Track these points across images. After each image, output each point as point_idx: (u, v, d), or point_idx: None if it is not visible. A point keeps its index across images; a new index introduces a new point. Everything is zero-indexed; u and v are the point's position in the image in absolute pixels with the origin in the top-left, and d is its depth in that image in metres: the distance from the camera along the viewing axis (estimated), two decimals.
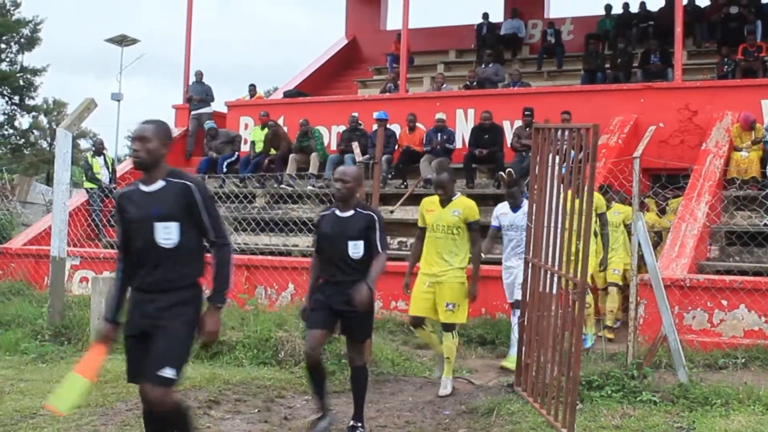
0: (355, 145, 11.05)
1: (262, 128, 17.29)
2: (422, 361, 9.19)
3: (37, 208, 25.93)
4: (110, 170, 16.44)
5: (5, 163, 38.84)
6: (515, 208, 8.85)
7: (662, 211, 12.89)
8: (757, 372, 8.54)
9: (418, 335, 8.62)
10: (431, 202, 8.07)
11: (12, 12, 42.39)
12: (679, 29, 15.15)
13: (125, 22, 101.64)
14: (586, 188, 6.58)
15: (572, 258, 6.68)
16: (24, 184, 29.20)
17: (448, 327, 7.89)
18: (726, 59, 16.45)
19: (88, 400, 7.35)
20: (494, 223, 9.05)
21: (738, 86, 14.92)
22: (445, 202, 7.96)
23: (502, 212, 9.01)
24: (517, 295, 8.31)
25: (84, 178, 16.67)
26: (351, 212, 6.40)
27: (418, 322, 8.07)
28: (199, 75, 19.59)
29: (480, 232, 8.03)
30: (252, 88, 20.20)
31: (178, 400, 4.92)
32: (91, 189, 16.03)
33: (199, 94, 19.33)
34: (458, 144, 15.89)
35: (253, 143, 17.41)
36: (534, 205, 7.61)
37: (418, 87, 19.99)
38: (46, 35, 67.89)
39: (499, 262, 9.36)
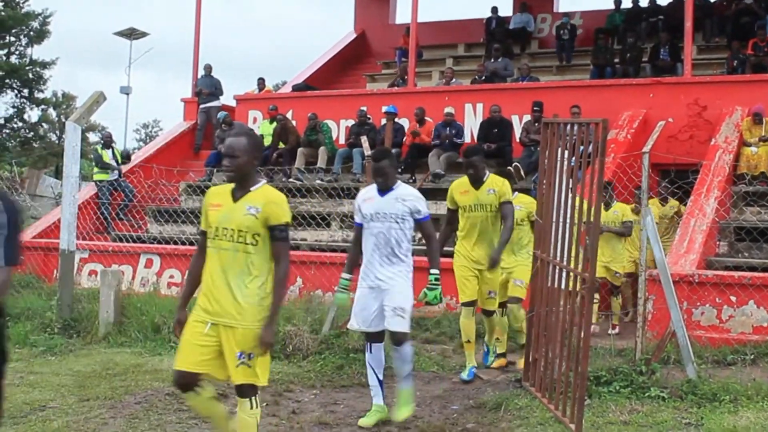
0: (364, 139, 11.04)
1: (271, 122, 17.30)
2: (430, 356, 9.19)
3: (47, 201, 26.00)
4: (118, 163, 16.46)
5: (15, 156, 38.92)
6: (384, 191, 6.76)
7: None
8: (766, 368, 8.51)
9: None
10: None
11: (21, 5, 42.35)
12: (688, 24, 15.10)
13: (134, 15, 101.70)
14: (594, 183, 6.57)
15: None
16: (33, 177, 29.31)
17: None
18: (736, 54, 16.39)
19: (97, 393, 7.39)
20: (357, 218, 6.88)
21: (748, 81, 14.85)
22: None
23: (366, 198, 6.85)
24: (396, 325, 6.58)
25: (95, 169, 16.70)
26: None
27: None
28: (208, 68, 19.60)
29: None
30: (261, 82, 20.20)
31: None
32: (100, 182, 16.05)
33: (208, 88, 19.34)
34: (467, 138, 15.86)
35: (262, 137, 17.41)
36: (542, 199, 7.61)
37: (426, 81, 19.96)
38: (56, 28, 68.04)
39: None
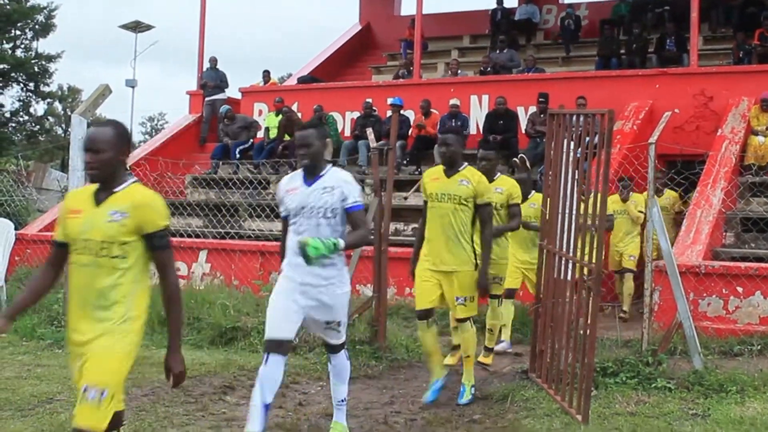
0: (369, 131, 11.03)
1: (277, 114, 17.30)
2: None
3: (53, 195, 26.02)
4: None
5: (21, 149, 38.96)
6: (311, 178, 5.72)
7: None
8: None
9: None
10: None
11: None
12: (694, 14, 15.05)
13: (139, 8, 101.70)
14: (600, 175, 6.56)
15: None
16: (39, 171, 29.33)
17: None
18: (742, 44, 16.33)
19: None
20: (281, 210, 5.92)
21: (754, 72, 14.80)
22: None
23: (289, 187, 5.81)
24: (332, 338, 5.81)
25: None
26: None
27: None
28: (213, 61, 19.59)
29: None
30: (266, 75, 20.20)
31: None
32: None
33: (213, 81, 19.33)
34: (472, 130, 15.85)
35: (267, 129, 17.41)
36: (548, 191, 7.59)
37: (432, 73, 19.93)
38: (61, 21, 68.04)
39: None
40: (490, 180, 7.78)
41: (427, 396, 7.08)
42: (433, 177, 7.03)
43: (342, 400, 5.98)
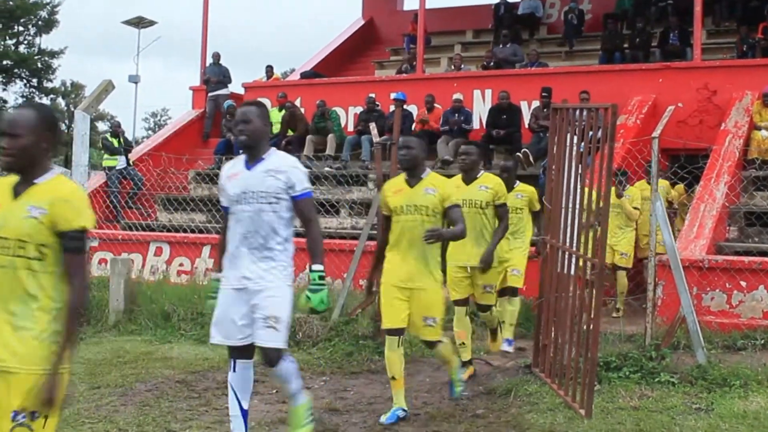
0: (373, 126, 11.03)
1: (280, 110, 17.30)
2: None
3: None
4: (126, 151, 16.51)
5: None
6: (252, 161, 5.24)
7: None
8: None
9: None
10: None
11: None
12: (698, 8, 15.01)
13: (142, 4, 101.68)
14: (604, 169, 6.56)
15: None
16: None
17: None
18: (746, 38, 16.29)
19: (107, 380, 7.42)
20: (222, 200, 5.43)
21: (758, 66, 14.76)
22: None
23: (231, 173, 5.35)
24: (266, 339, 5.08)
25: (105, 156, 16.74)
26: None
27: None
28: (216, 56, 19.59)
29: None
30: (269, 70, 20.18)
31: None
32: (109, 169, 16.10)
33: (216, 76, 19.33)
34: (475, 125, 15.84)
35: (270, 124, 17.39)
36: (552, 185, 7.59)
37: (435, 68, 19.90)
38: (64, 17, 68.00)
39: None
40: (474, 177, 7.51)
41: (386, 418, 6.39)
42: (394, 189, 6.43)
43: (297, 391, 5.38)
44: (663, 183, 12.33)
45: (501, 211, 7.55)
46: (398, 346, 6.35)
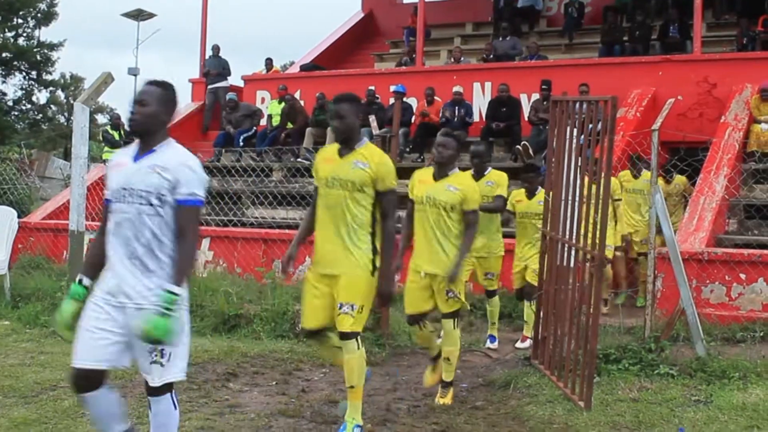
0: (372, 119, 11.03)
1: (280, 102, 17.29)
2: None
3: (56, 183, 26.05)
4: (124, 144, 16.52)
5: (23, 138, 38.98)
6: (142, 153, 4.39)
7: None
8: None
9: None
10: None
11: None
12: (698, 1, 14.97)
13: None
14: (603, 162, 6.56)
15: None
16: (42, 159, 29.36)
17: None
18: (746, 31, 16.27)
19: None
20: (107, 193, 4.50)
21: (758, 59, 14.73)
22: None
23: (118, 162, 4.51)
24: (155, 376, 4.24)
25: (105, 149, 16.75)
26: None
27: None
28: (216, 49, 19.56)
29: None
30: (268, 62, 20.17)
31: None
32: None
33: (215, 68, 19.31)
34: (475, 117, 15.83)
35: (270, 117, 17.41)
36: (551, 178, 7.59)
37: (434, 60, 19.90)
38: (63, 9, 67.94)
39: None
40: (445, 174, 6.56)
41: None
42: (325, 157, 5.71)
43: None
44: (681, 179, 12.29)
45: (469, 219, 6.51)
46: (357, 349, 5.56)
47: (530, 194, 8.78)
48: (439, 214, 6.46)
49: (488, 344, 8.97)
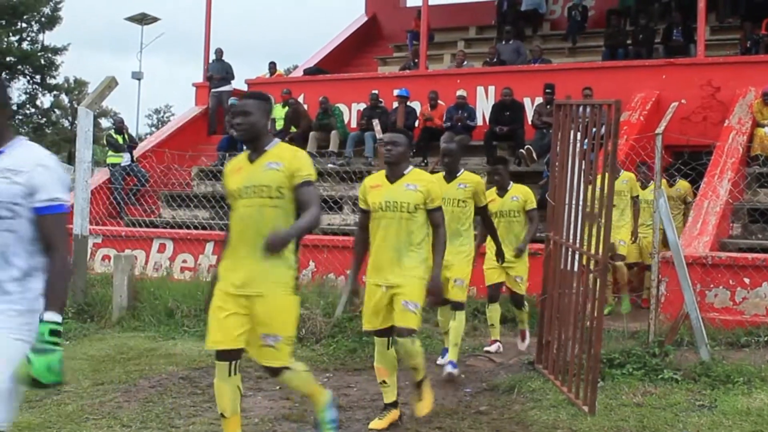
0: (376, 122, 11.03)
1: (283, 106, 17.30)
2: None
3: None
4: (130, 147, 16.52)
5: None
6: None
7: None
8: None
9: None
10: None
11: None
12: (701, 4, 14.98)
13: (145, 0, 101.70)
14: (607, 165, 6.55)
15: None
16: None
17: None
18: (749, 35, 16.27)
19: (111, 377, 7.43)
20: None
21: (762, 62, 14.72)
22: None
23: None
24: None
25: (109, 153, 16.75)
26: None
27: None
28: (219, 53, 19.56)
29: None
30: (272, 66, 20.19)
31: None
32: (113, 166, 16.13)
33: (219, 72, 19.30)
34: (479, 121, 15.83)
35: (273, 120, 17.41)
36: (555, 182, 7.58)
37: (438, 64, 19.89)
38: (67, 14, 68.06)
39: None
40: (400, 174, 6.08)
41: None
42: (236, 168, 5.07)
43: None
44: (684, 185, 12.20)
45: (436, 217, 6.02)
46: (230, 374, 4.92)
47: (502, 191, 8.66)
48: (402, 219, 5.93)
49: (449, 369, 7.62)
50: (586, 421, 6.20)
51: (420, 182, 6.00)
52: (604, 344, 7.29)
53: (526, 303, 8.84)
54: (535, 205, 8.71)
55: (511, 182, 8.79)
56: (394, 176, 6.05)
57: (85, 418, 6.18)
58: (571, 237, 7.09)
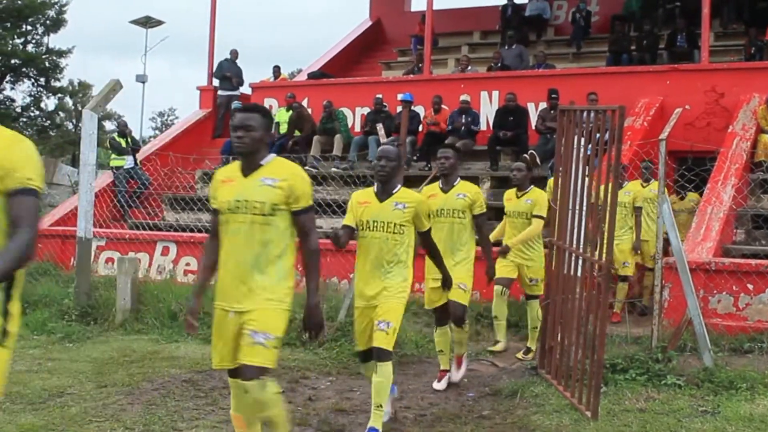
0: (380, 127, 11.04)
1: (287, 110, 17.31)
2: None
3: (63, 190, 26.14)
4: (134, 150, 16.55)
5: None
6: None
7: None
8: None
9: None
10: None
11: None
12: (706, 10, 14.98)
13: (149, 3, 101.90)
14: (611, 171, 6.56)
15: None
16: (50, 166, 29.41)
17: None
18: (753, 41, 16.27)
19: (114, 379, 7.44)
20: None
21: (766, 68, 14.70)
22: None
23: None
24: None
25: (112, 156, 16.78)
26: None
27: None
28: (234, 54, 19.51)
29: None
30: (276, 70, 20.21)
31: None
32: (117, 169, 16.15)
33: (235, 74, 19.30)
34: (482, 126, 15.84)
35: (278, 124, 17.43)
36: (559, 187, 7.58)
37: (442, 69, 19.90)
38: (72, 17, 68.24)
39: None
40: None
41: None
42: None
43: None
44: (695, 196, 12.18)
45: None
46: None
47: (447, 186, 7.48)
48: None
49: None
50: (588, 427, 6.20)
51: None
52: (607, 349, 7.29)
53: (467, 321, 7.78)
54: (484, 210, 7.44)
55: (460, 178, 7.61)
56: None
57: (88, 420, 6.19)
58: (574, 242, 7.09)
